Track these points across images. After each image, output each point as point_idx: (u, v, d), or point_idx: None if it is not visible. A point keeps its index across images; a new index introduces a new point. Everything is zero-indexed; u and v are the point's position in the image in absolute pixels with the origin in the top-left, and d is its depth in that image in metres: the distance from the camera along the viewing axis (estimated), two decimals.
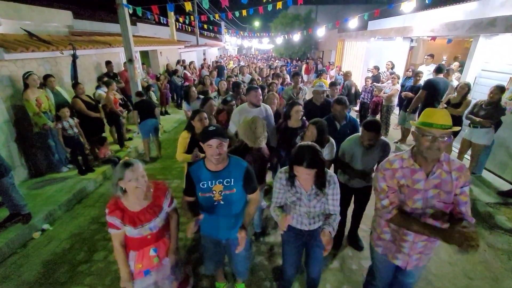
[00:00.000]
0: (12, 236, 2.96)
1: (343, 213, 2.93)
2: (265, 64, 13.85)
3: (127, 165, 1.58)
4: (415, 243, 1.60)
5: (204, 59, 14.04)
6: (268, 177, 4.19)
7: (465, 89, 4.13)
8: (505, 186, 3.88)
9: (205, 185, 1.69)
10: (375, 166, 2.56)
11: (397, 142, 5.70)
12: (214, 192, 1.70)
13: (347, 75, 6.73)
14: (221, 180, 1.69)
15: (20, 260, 2.83)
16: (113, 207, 1.65)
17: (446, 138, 1.40)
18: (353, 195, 2.79)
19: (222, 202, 1.73)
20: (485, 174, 4.29)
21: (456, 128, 1.43)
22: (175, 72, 9.06)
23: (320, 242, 1.87)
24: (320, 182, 1.67)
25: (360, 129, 2.40)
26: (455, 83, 5.41)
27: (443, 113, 1.42)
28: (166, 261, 1.85)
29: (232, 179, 1.70)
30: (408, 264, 1.67)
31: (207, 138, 1.60)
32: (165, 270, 1.85)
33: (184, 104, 4.56)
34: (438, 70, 4.81)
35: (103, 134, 4.96)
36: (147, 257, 1.75)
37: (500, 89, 3.60)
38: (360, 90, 6.74)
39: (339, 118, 3.02)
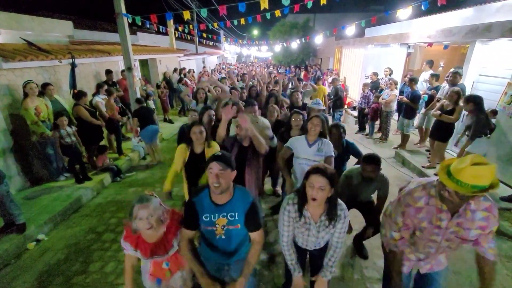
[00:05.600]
0: (6, 247, 2.89)
1: None
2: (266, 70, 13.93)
3: (139, 200, 1.53)
4: (427, 260, 1.59)
5: (204, 67, 14.15)
6: (268, 185, 4.17)
7: (455, 96, 4.10)
8: (507, 192, 3.83)
9: (208, 218, 1.58)
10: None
11: (396, 148, 5.67)
12: (217, 226, 1.58)
13: (334, 82, 6.91)
14: (225, 214, 1.57)
15: (13, 272, 2.75)
16: (129, 232, 1.60)
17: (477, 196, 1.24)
18: (359, 211, 2.78)
19: (223, 237, 1.62)
20: None
21: (497, 186, 1.14)
22: (180, 80, 9.13)
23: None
24: (332, 214, 1.58)
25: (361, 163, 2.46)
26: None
27: (483, 169, 1.11)
28: (178, 275, 1.82)
29: (237, 213, 1.58)
30: (421, 268, 1.65)
31: (208, 161, 1.53)
32: (175, 283, 1.83)
33: (192, 104, 4.54)
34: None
35: (101, 142, 4.94)
36: (159, 268, 1.75)
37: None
38: (359, 97, 6.78)
39: (336, 145, 2.84)
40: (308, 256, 1.98)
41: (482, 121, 3.55)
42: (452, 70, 4.88)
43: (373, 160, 2.33)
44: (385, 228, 1.61)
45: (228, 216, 1.58)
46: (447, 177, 1.19)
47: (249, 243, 1.75)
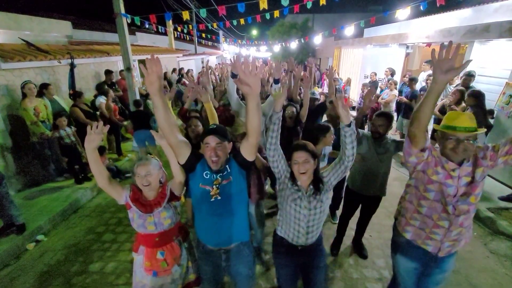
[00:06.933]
0: (6, 248, 2.89)
1: (345, 222, 2.90)
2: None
3: (140, 159, 1.64)
4: (450, 231, 1.55)
5: (203, 67, 14.13)
6: (267, 185, 4.17)
7: (458, 95, 4.12)
8: (505, 191, 3.85)
9: (208, 176, 1.57)
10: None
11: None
12: (214, 186, 1.56)
13: (334, 81, 6.84)
14: (221, 175, 1.58)
15: (13, 273, 2.75)
16: (135, 188, 1.72)
17: (471, 140, 1.41)
18: (361, 204, 2.75)
19: (219, 198, 1.56)
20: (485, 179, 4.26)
21: (481, 130, 1.44)
22: (179, 80, 9.13)
23: (319, 263, 1.81)
24: (317, 182, 1.67)
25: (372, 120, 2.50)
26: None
27: (467, 116, 1.43)
28: (176, 269, 1.80)
29: (227, 166, 1.60)
30: (440, 251, 1.61)
31: (204, 135, 1.52)
32: (173, 276, 1.82)
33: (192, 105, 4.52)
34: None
35: (101, 143, 4.92)
36: (154, 259, 1.74)
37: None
38: (358, 97, 6.78)
39: (334, 121, 2.98)
40: (300, 270, 1.91)
41: (479, 115, 3.59)
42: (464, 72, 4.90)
43: (383, 114, 2.40)
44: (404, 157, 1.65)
45: (222, 174, 1.59)
46: (446, 129, 1.45)
47: (249, 235, 1.73)
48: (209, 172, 1.57)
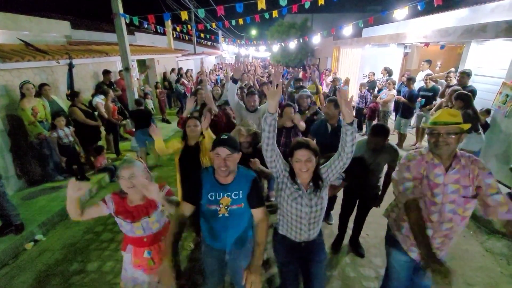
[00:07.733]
0: (4, 247, 2.90)
1: (345, 221, 2.91)
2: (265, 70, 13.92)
3: (124, 162, 1.64)
4: (433, 238, 1.58)
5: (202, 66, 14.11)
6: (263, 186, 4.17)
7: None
8: (502, 190, 3.86)
9: (213, 197, 1.59)
10: (382, 174, 2.56)
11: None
12: (221, 205, 1.59)
13: (335, 81, 6.87)
14: (229, 194, 1.60)
15: (11, 272, 2.76)
16: (117, 196, 1.72)
17: (452, 134, 1.45)
18: (358, 201, 2.77)
19: (227, 215, 1.62)
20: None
21: (466, 126, 1.47)
22: (178, 80, 9.14)
23: (320, 257, 1.84)
24: (317, 180, 1.68)
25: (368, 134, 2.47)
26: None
27: (447, 112, 1.50)
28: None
29: (241, 191, 1.62)
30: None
31: (215, 145, 1.55)
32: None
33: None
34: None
35: (99, 143, 4.94)
36: (141, 257, 1.76)
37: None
38: (357, 97, 6.81)
39: (331, 119, 2.95)
40: (301, 266, 1.93)
41: (469, 116, 3.62)
42: (452, 69, 4.91)
43: (379, 133, 2.33)
44: (397, 188, 1.64)
45: (232, 195, 1.61)
46: (429, 124, 1.57)
47: (251, 232, 1.78)
48: (213, 194, 1.61)
